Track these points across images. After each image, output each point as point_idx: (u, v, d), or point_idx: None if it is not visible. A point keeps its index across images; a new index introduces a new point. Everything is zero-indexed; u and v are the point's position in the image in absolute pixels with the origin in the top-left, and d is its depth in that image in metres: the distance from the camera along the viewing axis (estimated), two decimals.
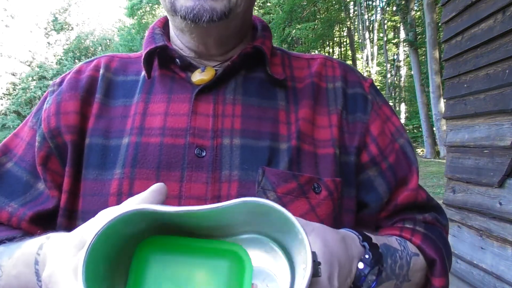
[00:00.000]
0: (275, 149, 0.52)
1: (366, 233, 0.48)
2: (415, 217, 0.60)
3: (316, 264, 0.32)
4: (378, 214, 0.59)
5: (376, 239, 0.49)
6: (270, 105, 0.56)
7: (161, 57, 0.57)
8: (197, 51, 0.58)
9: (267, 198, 0.47)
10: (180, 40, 0.59)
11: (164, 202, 0.38)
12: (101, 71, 0.59)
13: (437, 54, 12.10)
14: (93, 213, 0.43)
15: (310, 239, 0.34)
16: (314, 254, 0.32)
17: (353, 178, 0.56)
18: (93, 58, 0.64)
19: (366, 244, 0.45)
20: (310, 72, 0.61)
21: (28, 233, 0.53)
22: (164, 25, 0.62)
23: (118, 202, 0.49)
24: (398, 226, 0.59)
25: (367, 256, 0.43)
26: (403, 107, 22.62)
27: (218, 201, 0.46)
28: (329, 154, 0.54)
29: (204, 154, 0.50)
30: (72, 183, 0.53)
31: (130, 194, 0.49)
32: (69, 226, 0.52)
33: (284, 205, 0.42)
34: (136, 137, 0.52)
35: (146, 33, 0.61)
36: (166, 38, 0.59)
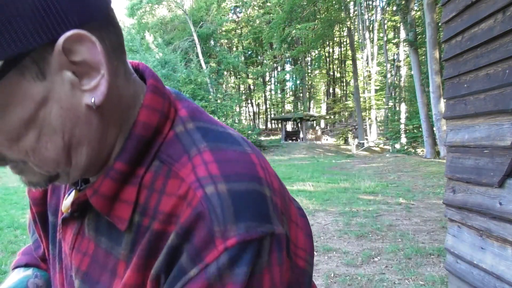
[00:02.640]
0: None
1: None
2: None
3: None
4: None
5: None
6: (114, 252, 0.45)
7: None
8: None
9: None
10: None
11: None
12: None
13: (437, 54, 12.10)
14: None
15: None
16: None
17: None
18: None
19: None
20: (164, 208, 0.42)
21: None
22: None
23: (61, 279, 0.54)
24: None
25: None
26: (403, 107, 22.62)
27: None
28: None
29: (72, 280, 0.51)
30: (46, 244, 0.60)
31: (57, 286, 0.55)
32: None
33: None
34: (55, 218, 0.57)
35: None
36: None
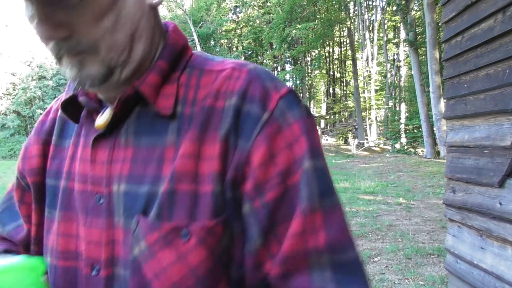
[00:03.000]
0: (153, 194, 0.49)
1: None
2: (310, 285, 0.47)
3: None
4: (264, 266, 0.49)
5: None
6: (159, 143, 0.51)
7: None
8: (102, 96, 0.57)
9: (139, 247, 0.48)
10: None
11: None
12: (59, 112, 0.64)
13: (437, 54, 12.10)
14: (47, 248, 0.57)
15: None
16: None
17: (236, 214, 0.49)
18: (63, 94, 0.67)
19: None
20: (210, 90, 0.52)
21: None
22: None
23: (53, 241, 0.56)
24: None
25: None
26: (403, 107, 22.62)
27: (112, 247, 0.50)
28: (208, 192, 0.48)
29: (102, 201, 0.52)
30: (38, 217, 0.61)
31: (58, 234, 0.55)
32: (39, 252, 0.60)
33: (154, 254, 0.47)
34: (64, 182, 0.57)
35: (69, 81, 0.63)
36: None
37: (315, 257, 0.47)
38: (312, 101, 39.44)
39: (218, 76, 0.53)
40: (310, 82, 36.34)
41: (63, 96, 0.64)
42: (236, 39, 35.24)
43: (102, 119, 0.54)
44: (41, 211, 0.60)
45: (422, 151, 16.61)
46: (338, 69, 40.65)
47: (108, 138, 0.54)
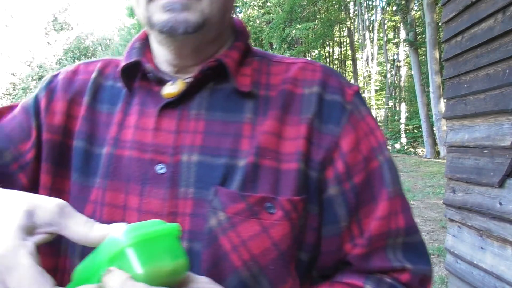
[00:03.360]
0: (232, 166, 0.50)
1: None
2: (384, 264, 0.51)
3: None
4: (345, 246, 0.52)
5: None
6: (235, 119, 0.53)
7: (141, 70, 0.58)
8: (174, 64, 0.57)
9: (217, 218, 0.47)
10: (159, 54, 0.59)
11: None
12: (94, 74, 0.61)
13: (437, 54, 12.10)
14: None
15: None
16: None
17: (316, 195, 0.51)
18: (93, 60, 0.65)
19: None
20: (286, 77, 0.56)
21: None
22: (147, 37, 0.62)
23: (94, 210, 0.52)
24: (356, 285, 0.51)
25: None
26: (403, 107, 22.61)
27: (174, 218, 0.48)
28: (292, 169, 0.50)
29: (164, 171, 0.51)
30: (54, 180, 0.55)
31: (102, 204, 0.52)
32: None
33: (234, 226, 0.46)
34: (111, 148, 0.54)
35: (128, 46, 0.61)
36: (147, 50, 0.60)
37: (393, 238, 0.52)
38: None
39: (290, 67, 0.58)
40: None
41: (117, 61, 0.63)
42: None
43: (172, 88, 0.55)
44: (57, 173, 0.55)
45: (422, 151, 16.62)
46: (338, 69, 40.64)
47: (175, 109, 0.54)
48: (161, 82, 0.57)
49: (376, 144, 0.54)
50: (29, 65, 30.60)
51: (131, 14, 26.94)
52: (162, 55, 0.58)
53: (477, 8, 2.14)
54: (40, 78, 28.93)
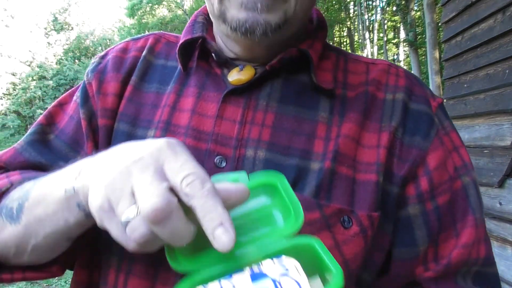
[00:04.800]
0: (304, 169, 0.45)
1: None
2: None
3: None
4: (416, 268, 0.48)
5: None
6: (309, 116, 0.48)
7: (200, 48, 0.52)
8: (239, 55, 0.52)
9: None
10: (223, 41, 0.53)
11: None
12: (144, 52, 0.56)
13: (437, 54, 12.09)
14: None
15: None
16: None
17: (393, 212, 0.47)
18: (141, 35, 0.60)
19: None
20: (367, 78, 0.51)
21: None
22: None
23: None
24: None
25: None
26: None
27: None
28: (371, 181, 0.45)
29: (224, 164, 0.45)
30: None
31: None
32: None
33: None
34: (161, 132, 0.49)
35: (189, 20, 0.56)
36: (209, 27, 0.55)
37: (468, 267, 0.47)
38: None
39: (371, 67, 0.53)
40: None
41: (169, 36, 0.57)
42: None
43: (241, 74, 0.49)
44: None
45: None
46: None
47: (241, 97, 0.48)
48: (225, 64, 0.51)
49: (462, 163, 0.49)
50: (29, 65, 30.60)
51: (131, 14, 26.93)
52: (227, 45, 0.53)
53: (477, 8, 2.14)
54: (40, 78, 28.92)
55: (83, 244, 0.49)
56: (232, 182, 0.33)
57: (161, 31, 0.59)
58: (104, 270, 0.48)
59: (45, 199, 0.40)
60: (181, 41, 0.52)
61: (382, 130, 0.47)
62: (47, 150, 0.53)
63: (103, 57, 0.58)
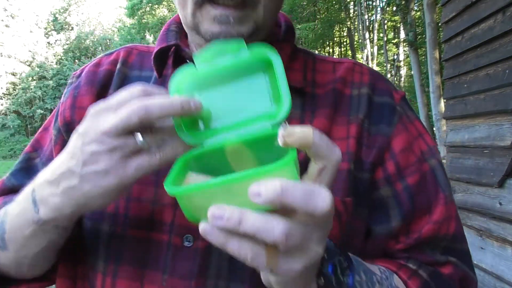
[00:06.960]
0: None
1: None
2: (425, 258, 0.51)
3: None
4: (389, 242, 0.52)
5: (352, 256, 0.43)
6: None
7: (175, 56, 0.55)
8: None
9: None
10: (196, 49, 0.56)
11: None
12: (118, 66, 0.58)
13: (437, 54, 12.08)
14: (109, 214, 0.50)
15: None
16: None
17: (366, 197, 0.50)
18: (113, 50, 0.63)
19: (331, 243, 0.40)
20: (334, 77, 0.56)
21: None
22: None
23: (124, 204, 0.50)
24: (398, 262, 0.51)
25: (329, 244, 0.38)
26: None
27: None
28: (343, 170, 0.49)
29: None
30: None
31: (129, 200, 0.50)
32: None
33: None
34: None
35: (162, 29, 0.59)
36: (183, 35, 0.57)
37: (436, 243, 0.51)
38: None
39: (337, 66, 0.57)
40: None
41: (140, 47, 0.60)
42: None
43: None
44: None
45: None
46: None
47: None
48: None
49: (427, 147, 0.54)
50: (29, 65, 30.59)
51: (131, 14, 26.92)
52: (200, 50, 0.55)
53: (477, 8, 2.14)
54: (40, 78, 28.93)
55: (62, 256, 0.52)
56: (232, 52, 0.37)
57: (133, 43, 0.63)
58: (91, 275, 0.50)
59: (19, 228, 0.44)
60: (156, 49, 0.54)
61: (350, 122, 0.52)
62: (30, 175, 0.57)
63: (78, 76, 0.61)
